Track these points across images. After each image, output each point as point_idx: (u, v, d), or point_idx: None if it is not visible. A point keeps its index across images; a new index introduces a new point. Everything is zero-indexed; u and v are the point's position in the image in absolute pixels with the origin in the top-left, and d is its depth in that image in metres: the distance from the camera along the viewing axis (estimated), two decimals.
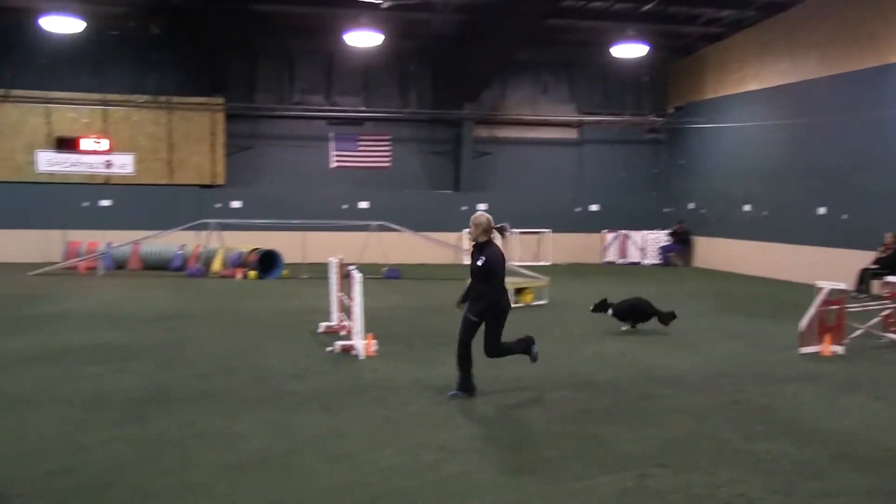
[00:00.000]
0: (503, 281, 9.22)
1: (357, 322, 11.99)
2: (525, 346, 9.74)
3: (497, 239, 9.32)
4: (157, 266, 25.96)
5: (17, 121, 29.60)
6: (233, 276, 24.27)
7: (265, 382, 10.19)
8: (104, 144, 30.23)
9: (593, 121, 34.18)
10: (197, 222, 26.38)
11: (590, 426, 8.31)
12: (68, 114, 30.04)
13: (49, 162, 29.83)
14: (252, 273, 24.24)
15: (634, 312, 14.73)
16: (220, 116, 31.06)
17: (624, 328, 14.68)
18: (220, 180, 31.15)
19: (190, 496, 6.15)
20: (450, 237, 30.35)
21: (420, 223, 29.05)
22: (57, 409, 8.76)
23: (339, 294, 13.89)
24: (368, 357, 11.77)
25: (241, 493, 6.21)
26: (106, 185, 30.19)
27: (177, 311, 16.63)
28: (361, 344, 11.89)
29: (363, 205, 31.68)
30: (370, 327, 12.43)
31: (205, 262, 25.27)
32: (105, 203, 29.81)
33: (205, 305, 17.75)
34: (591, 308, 14.86)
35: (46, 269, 24.72)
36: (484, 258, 9.04)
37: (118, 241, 26.37)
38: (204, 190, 30.81)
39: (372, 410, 8.84)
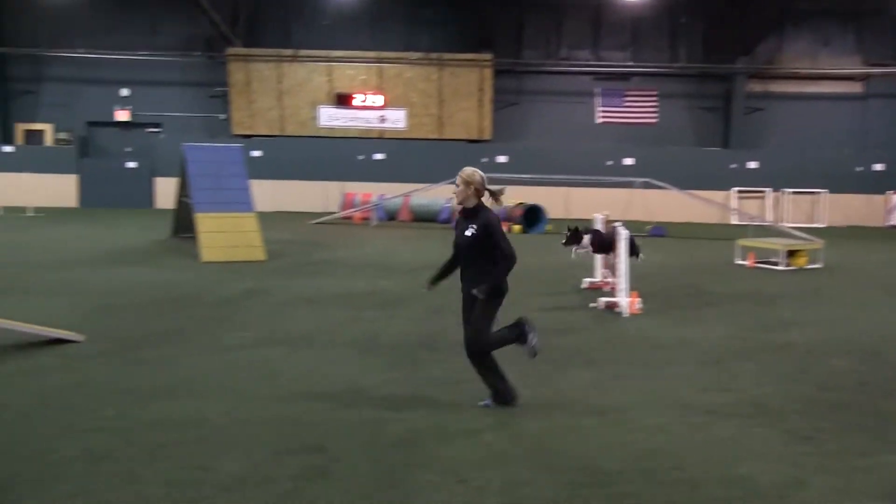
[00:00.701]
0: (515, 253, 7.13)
1: (622, 279, 11.89)
2: (518, 332, 7.23)
3: (490, 204, 7.18)
4: (425, 218, 26.96)
5: (303, 79, 31.56)
6: None
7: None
8: (379, 100, 31.60)
9: (883, 73, 31.64)
10: None
11: (871, 399, 7.79)
12: (347, 71, 31.65)
13: (330, 117, 31.63)
14: (516, 227, 24.61)
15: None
16: (488, 72, 31.56)
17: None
18: (487, 135, 31.74)
19: (461, 439, 6.38)
20: (717, 196, 29.35)
21: (686, 181, 28.26)
22: (337, 350, 9.35)
23: None
24: (632, 315, 11.66)
25: (504, 442, 6.36)
26: (380, 140, 31.60)
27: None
28: (626, 301, 11.79)
29: (628, 161, 31.22)
30: (634, 285, 12.29)
31: None
32: (379, 156, 31.24)
33: None
34: (563, 241, 13.00)
35: (325, 218, 26.35)
36: (476, 226, 6.95)
37: (390, 193, 27.59)
38: (471, 145, 31.53)
39: (636, 368, 8.76)
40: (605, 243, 12.82)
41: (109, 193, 30.40)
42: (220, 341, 9.58)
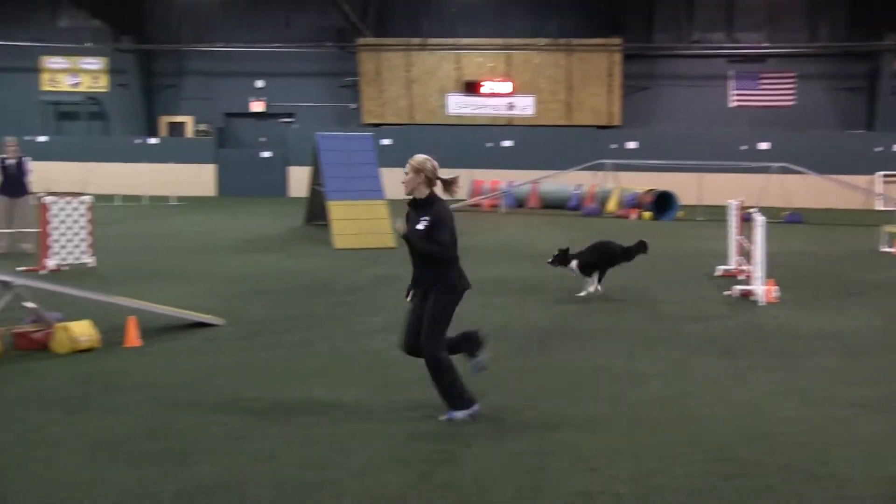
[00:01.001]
0: (452, 251, 6.49)
1: (758, 267, 11.53)
2: (470, 346, 6.77)
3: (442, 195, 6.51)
4: (554, 205, 26.79)
5: (431, 67, 31.81)
6: (627, 217, 24.40)
7: (662, 322, 10.18)
8: (507, 87, 31.57)
9: None
10: (593, 163, 26.78)
11: None
12: (475, 59, 31.74)
13: (458, 105, 31.79)
14: (646, 214, 24.20)
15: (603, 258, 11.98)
16: (618, 57, 31.11)
17: (590, 289, 11.82)
18: (616, 121, 31.32)
19: (591, 428, 6.32)
20: (860, 180, 28.12)
21: (826, 165, 27.20)
22: None
23: (739, 237, 13.46)
24: (769, 303, 11.30)
25: (639, 430, 6.26)
26: (508, 127, 31.57)
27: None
28: (762, 289, 11.43)
29: (763, 145, 30.26)
30: (771, 272, 11.90)
31: (600, 202, 25.63)
32: (507, 143, 31.22)
33: None
34: (549, 261, 12.05)
35: (453, 205, 26.48)
36: (429, 218, 6.29)
37: (519, 180, 27.54)
38: (600, 131, 31.17)
39: (774, 358, 8.48)
40: (589, 265, 11.85)
41: (245, 182, 31.36)
42: (353, 327, 9.77)
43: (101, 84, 34.96)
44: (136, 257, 15.32)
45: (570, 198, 26.66)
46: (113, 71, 34.51)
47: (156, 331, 9.11)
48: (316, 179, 19.34)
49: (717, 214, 25.01)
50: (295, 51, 32.64)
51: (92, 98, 34.85)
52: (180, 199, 28.83)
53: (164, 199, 28.55)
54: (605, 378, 7.72)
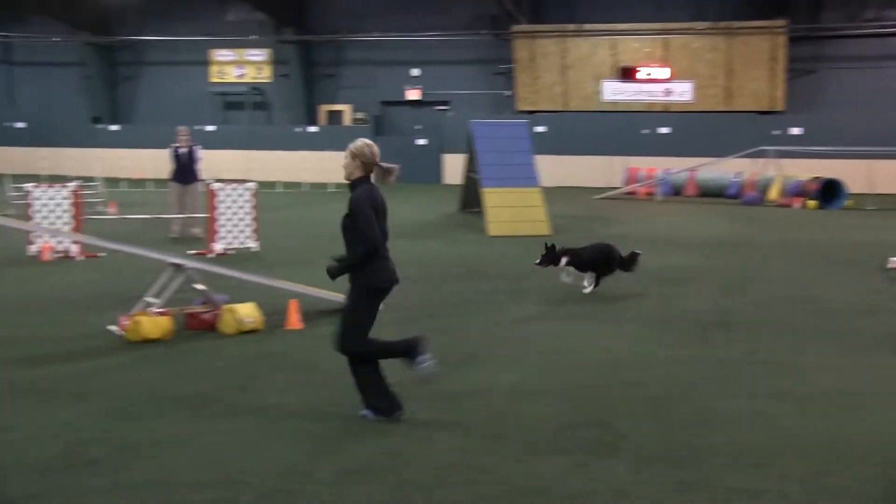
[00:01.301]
0: (377, 240, 5.97)
1: None
2: (406, 347, 6.15)
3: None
4: (712, 193, 26.01)
5: (586, 53, 31.44)
6: (790, 205, 23.46)
7: (829, 317, 9.72)
8: (664, 73, 30.87)
9: None
10: (754, 149, 25.87)
11: None
12: (631, 44, 31.16)
13: (613, 91, 31.31)
14: (811, 203, 23.19)
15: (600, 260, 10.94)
16: (782, 39, 29.91)
17: (586, 284, 10.87)
18: (780, 106, 30.13)
19: (753, 422, 6.10)
20: None
21: None
22: (623, 325, 9.24)
23: None
24: None
25: (805, 427, 6.00)
26: (664, 113, 30.88)
27: (733, 238, 16.57)
28: None
29: None
30: None
31: (761, 190, 24.74)
32: (663, 130, 30.53)
33: (761, 234, 17.44)
34: (537, 262, 10.98)
35: (608, 193, 26.14)
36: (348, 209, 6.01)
37: (675, 167, 26.89)
38: (761, 116, 30.07)
39: None
40: (587, 263, 10.92)
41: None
42: (508, 314, 9.77)
43: (265, 75, 36.21)
44: (296, 242, 15.81)
45: (730, 185, 25.81)
46: (276, 62, 35.68)
47: (316, 314, 9.37)
48: (471, 167, 19.44)
49: (889, 203, 23.77)
50: (450, 39, 32.88)
51: (256, 88, 36.14)
52: (338, 186, 29.53)
53: (323, 185, 29.33)
54: (768, 371, 7.44)
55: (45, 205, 13.81)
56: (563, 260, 10.76)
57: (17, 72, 38.25)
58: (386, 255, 6.11)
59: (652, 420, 6.14)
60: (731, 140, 27.80)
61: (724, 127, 29.52)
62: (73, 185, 14.29)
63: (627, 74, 31.24)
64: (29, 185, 14.16)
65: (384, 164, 6.19)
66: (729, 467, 5.26)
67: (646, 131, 30.60)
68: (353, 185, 6.09)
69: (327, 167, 31.50)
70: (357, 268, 5.99)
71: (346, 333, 6.03)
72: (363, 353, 6.06)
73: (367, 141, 6.19)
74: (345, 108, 35.35)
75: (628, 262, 11.11)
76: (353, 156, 6.08)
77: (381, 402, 6.09)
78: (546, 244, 10.98)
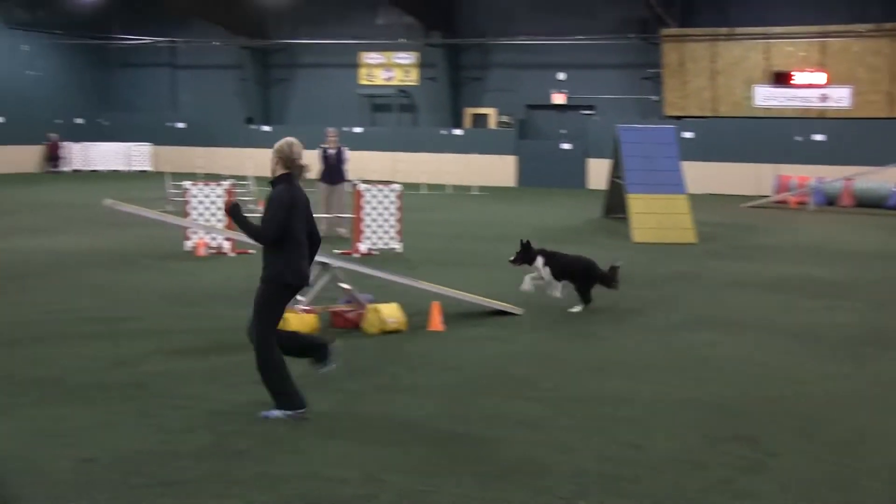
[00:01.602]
0: (294, 240, 6.16)
1: None
2: (319, 348, 6.43)
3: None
4: (870, 204, 24.84)
5: (737, 57, 30.57)
6: None
7: None
8: (820, 77, 29.69)
9: None
10: None
11: None
12: (785, 47, 30.11)
13: (765, 96, 30.34)
14: None
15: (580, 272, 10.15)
16: None
17: (556, 293, 10.08)
18: None
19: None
20: None
21: None
22: (772, 338, 8.95)
23: None
24: None
25: None
26: (819, 119, 29.70)
27: (889, 251, 15.80)
28: None
29: None
30: None
31: None
32: (818, 137, 29.35)
33: None
34: (511, 259, 10.33)
35: (758, 201, 25.34)
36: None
37: (830, 176, 25.82)
38: None
39: None
40: (565, 270, 10.23)
41: (544, 174, 31.74)
42: (651, 322, 9.62)
43: (412, 78, 36.75)
44: (439, 244, 15.96)
45: (889, 196, 24.58)
46: (423, 65, 36.16)
47: (457, 316, 9.45)
48: (616, 172, 19.19)
49: None
50: (597, 43, 32.55)
51: (403, 91, 36.73)
52: (481, 188, 29.72)
53: (466, 188, 29.54)
54: None
55: (200, 202, 14.44)
56: (540, 260, 10.18)
57: (179, 75, 40.09)
58: (302, 252, 6.23)
59: (802, 438, 5.93)
60: (893, 148, 26.47)
61: (885, 135, 28.12)
62: (226, 183, 14.89)
63: (781, 79, 30.18)
64: (187, 183, 14.83)
65: (302, 163, 6.39)
66: (886, 493, 5.02)
67: (799, 138, 29.46)
68: (274, 182, 6.31)
69: (471, 170, 31.76)
70: (265, 259, 6.15)
71: (258, 329, 6.11)
72: (270, 347, 6.09)
73: (291, 140, 6.39)
74: (490, 111, 35.50)
75: (609, 278, 10.32)
76: (275, 152, 6.33)
77: (292, 396, 6.09)
78: (521, 241, 10.39)
